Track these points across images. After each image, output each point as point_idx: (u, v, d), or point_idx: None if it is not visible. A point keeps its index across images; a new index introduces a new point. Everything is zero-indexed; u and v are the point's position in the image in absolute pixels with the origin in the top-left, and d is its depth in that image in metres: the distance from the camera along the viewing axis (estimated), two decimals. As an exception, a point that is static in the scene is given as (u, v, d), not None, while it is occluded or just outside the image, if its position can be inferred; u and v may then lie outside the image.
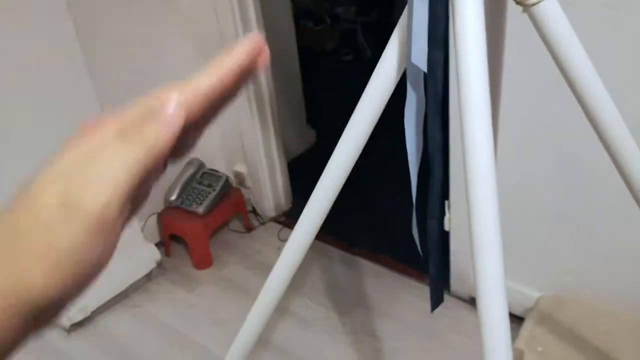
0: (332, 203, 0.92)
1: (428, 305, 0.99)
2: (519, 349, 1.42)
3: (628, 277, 1.48)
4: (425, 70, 0.69)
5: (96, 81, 1.83)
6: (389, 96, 0.78)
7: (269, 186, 2.33)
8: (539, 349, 1.41)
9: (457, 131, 0.70)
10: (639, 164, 0.84)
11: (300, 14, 3.56)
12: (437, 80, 0.70)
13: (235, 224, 2.37)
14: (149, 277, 2.12)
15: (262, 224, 2.37)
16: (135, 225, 2.05)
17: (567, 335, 1.43)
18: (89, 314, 1.94)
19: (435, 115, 0.74)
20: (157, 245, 2.20)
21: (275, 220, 2.39)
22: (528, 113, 1.45)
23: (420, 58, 0.68)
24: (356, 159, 0.86)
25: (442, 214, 0.85)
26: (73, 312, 1.89)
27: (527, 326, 1.49)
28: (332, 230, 2.25)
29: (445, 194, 1.71)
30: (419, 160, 0.83)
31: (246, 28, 2.00)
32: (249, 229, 2.34)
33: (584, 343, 1.41)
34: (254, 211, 2.40)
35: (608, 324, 1.45)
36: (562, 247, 1.57)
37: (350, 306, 1.92)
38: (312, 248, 2.15)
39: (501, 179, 1.60)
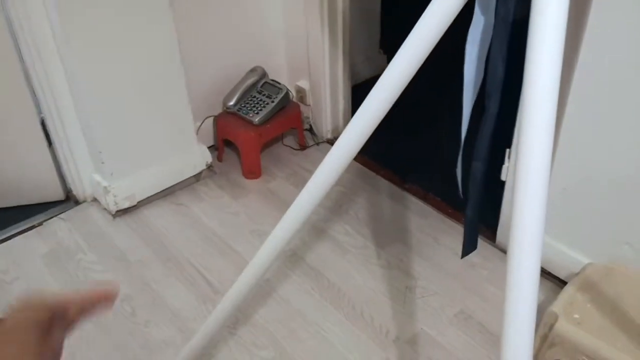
0: (378, 121, 0.85)
1: (470, 254, 0.93)
2: (554, 313, 1.35)
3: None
4: (496, -12, 0.61)
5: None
6: (454, 16, 0.70)
7: (329, 107, 2.27)
8: (576, 316, 1.34)
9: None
10: None
11: None
12: (507, 1, 0.61)
13: (290, 140, 2.35)
14: (197, 177, 2.14)
15: (317, 144, 2.34)
16: (190, 125, 2.05)
17: (609, 307, 1.35)
18: (135, 203, 2.00)
19: (500, 43, 0.66)
20: (210, 148, 2.21)
21: (330, 142, 2.35)
22: (610, 70, 1.32)
23: (492, -28, 0.59)
24: (410, 78, 0.78)
25: (490, 157, 0.78)
26: (120, 199, 1.94)
27: (568, 291, 1.42)
28: (386, 163, 2.20)
29: (507, 142, 1.61)
30: (476, 94, 0.76)
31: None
32: (303, 146, 2.31)
33: (624, 318, 1.33)
34: (310, 130, 2.36)
35: (656, 304, 1.36)
36: (623, 217, 1.46)
37: (390, 240, 1.89)
38: (362, 177, 2.15)
39: (570, 135, 1.50)
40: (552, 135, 0.64)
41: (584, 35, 1.32)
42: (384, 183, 2.14)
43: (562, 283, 1.62)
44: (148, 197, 2.03)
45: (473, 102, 0.77)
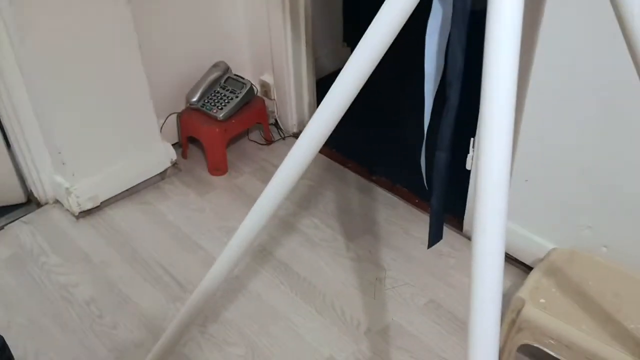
0: (342, 113, 0.85)
1: (438, 243, 0.93)
2: (521, 298, 1.38)
3: (649, 242, 1.41)
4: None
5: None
6: (413, 7, 0.70)
7: (294, 101, 2.26)
8: (542, 300, 1.37)
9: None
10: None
11: None
12: (465, -8, 0.61)
13: (256, 135, 2.33)
14: (162, 175, 2.11)
15: (283, 138, 2.32)
16: (153, 122, 2.02)
17: (573, 291, 1.38)
18: (98, 203, 1.96)
19: (459, 34, 0.66)
20: (175, 145, 2.18)
21: (296, 136, 2.34)
22: (567, 60, 1.34)
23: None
24: (371, 70, 0.78)
25: (453, 146, 0.78)
26: (83, 200, 1.90)
27: (534, 276, 1.44)
28: (353, 156, 2.20)
29: (472, 131, 1.63)
30: (437, 84, 0.76)
31: None
32: (269, 141, 2.30)
33: (588, 301, 1.36)
34: (276, 124, 2.35)
35: (617, 285, 1.39)
36: (584, 202, 1.49)
37: (359, 232, 1.89)
38: (329, 170, 2.15)
39: (530, 126, 1.52)
40: (512, 121, 0.65)
41: (540, 27, 1.34)
42: (351, 175, 2.14)
43: (528, 269, 1.64)
44: (112, 197, 1.99)
45: (434, 92, 0.77)
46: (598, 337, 1.28)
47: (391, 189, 2.06)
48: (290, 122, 2.31)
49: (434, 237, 0.84)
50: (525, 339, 1.37)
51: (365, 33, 0.77)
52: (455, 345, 1.53)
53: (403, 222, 1.92)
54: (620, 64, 0.75)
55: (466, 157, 1.70)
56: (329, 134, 0.93)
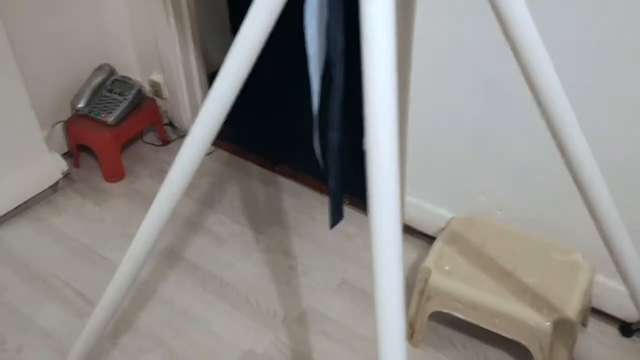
0: (229, 105, 0.85)
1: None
2: (427, 268, 1.43)
3: (535, 200, 1.50)
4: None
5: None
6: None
7: (186, 98, 2.21)
8: (446, 267, 1.43)
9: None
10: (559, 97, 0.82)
11: None
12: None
13: (151, 137, 2.26)
14: (54, 188, 2.00)
15: (180, 137, 2.27)
16: (37, 133, 1.91)
17: (474, 255, 1.45)
18: (-14, 225, 1.83)
19: (336, 12, 0.67)
20: (65, 155, 2.07)
21: (193, 134, 2.29)
22: (446, 35, 1.40)
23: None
24: (255, 57, 0.78)
25: (345, 126, 0.79)
26: (-33, 223, 1.77)
27: (437, 246, 1.50)
28: (254, 148, 2.19)
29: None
30: (322, 65, 0.76)
31: None
32: (165, 141, 2.24)
33: (489, 262, 1.43)
34: (170, 124, 2.29)
35: (513, 244, 1.48)
36: (478, 170, 1.57)
37: (266, 224, 1.89)
38: (232, 165, 2.12)
39: (417, 99, 1.58)
40: (395, 94, 0.67)
41: (416, 7, 1.39)
42: (254, 168, 2.13)
43: (432, 239, 1.71)
44: (1, 217, 1.87)
45: (320, 74, 0.78)
46: (500, 295, 1.36)
47: (294, 177, 2.07)
48: (185, 120, 2.26)
49: (335, 217, 0.86)
50: (435, 306, 1.43)
51: (243, 24, 0.77)
52: (371, 321, 1.56)
53: (309, 209, 1.94)
54: (499, 38, 0.80)
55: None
56: (218, 128, 0.92)
